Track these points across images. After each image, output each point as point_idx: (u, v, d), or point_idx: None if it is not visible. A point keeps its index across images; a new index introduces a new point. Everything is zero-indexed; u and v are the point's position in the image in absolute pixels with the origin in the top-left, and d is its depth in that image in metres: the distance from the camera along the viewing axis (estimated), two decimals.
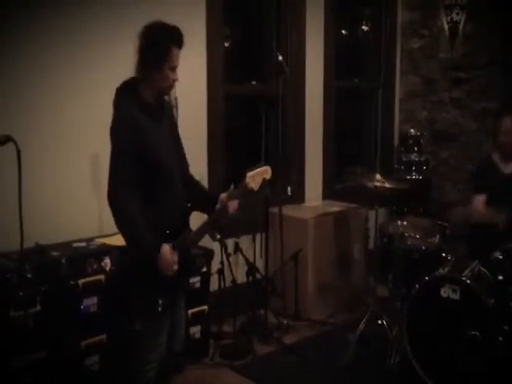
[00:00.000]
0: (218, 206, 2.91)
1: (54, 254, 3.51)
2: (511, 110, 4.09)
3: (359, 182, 4.48)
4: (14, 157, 2.56)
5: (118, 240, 3.68)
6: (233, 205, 2.89)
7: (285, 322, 4.65)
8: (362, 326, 4.12)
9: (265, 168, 2.92)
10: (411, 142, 5.90)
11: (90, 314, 3.52)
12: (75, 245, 3.72)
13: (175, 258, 2.75)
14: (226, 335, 4.38)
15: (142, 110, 2.73)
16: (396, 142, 6.39)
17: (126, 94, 2.77)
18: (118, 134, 2.70)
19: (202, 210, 3.01)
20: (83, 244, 3.74)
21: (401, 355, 3.83)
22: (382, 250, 4.29)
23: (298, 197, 5.44)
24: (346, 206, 5.24)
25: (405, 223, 4.31)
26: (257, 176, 2.87)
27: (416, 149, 5.85)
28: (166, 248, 2.72)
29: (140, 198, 2.73)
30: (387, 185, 4.16)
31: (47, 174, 3.79)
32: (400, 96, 6.41)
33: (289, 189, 5.36)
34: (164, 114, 2.89)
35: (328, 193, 5.69)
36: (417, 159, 5.78)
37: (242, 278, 4.64)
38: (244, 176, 2.87)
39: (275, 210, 4.70)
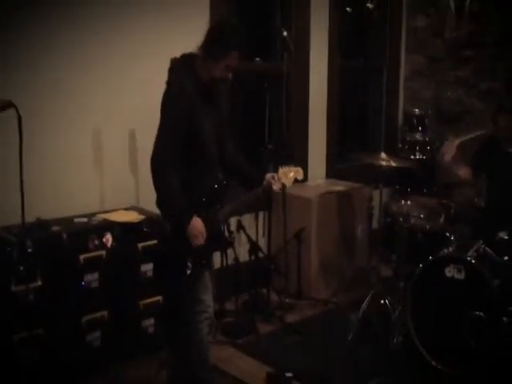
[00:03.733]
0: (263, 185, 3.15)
1: (56, 228, 3.47)
2: (505, 110, 4.03)
3: (364, 160, 4.42)
4: (15, 127, 2.51)
5: (120, 216, 3.71)
6: (277, 184, 3.10)
7: (287, 300, 4.63)
8: (364, 305, 4.10)
9: (297, 168, 3.16)
10: (416, 121, 5.75)
11: (91, 290, 3.51)
12: (77, 220, 3.67)
13: (204, 230, 2.93)
14: (228, 313, 4.36)
15: (195, 86, 2.87)
16: (400, 121, 6.34)
17: (182, 67, 2.91)
18: (171, 107, 2.86)
19: (245, 185, 3.25)
20: (85, 219, 3.69)
21: (404, 335, 3.80)
22: (386, 230, 4.26)
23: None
24: (349, 185, 5.19)
25: (409, 203, 4.27)
26: (289, 173, 3.12)
27: (420, 128, 5.72)
28: (196, 220, 2.90)
29: (180, 169, 2.88)
30: (393, 163, 4.10)
31: (48, 148, 3.72)
32: (405, 75, 6.33)
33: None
34: (214, 96, 3.01)
35: (331, 172, 5.63)
36: (421, 139, 5.67)
37: (244, 256, 4.61)
38: (276, 171, 3.14)
39: None
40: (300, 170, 3.19)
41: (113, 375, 3.58)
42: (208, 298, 3.11)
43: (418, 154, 5.59)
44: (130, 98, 4.00)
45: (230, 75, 2.92)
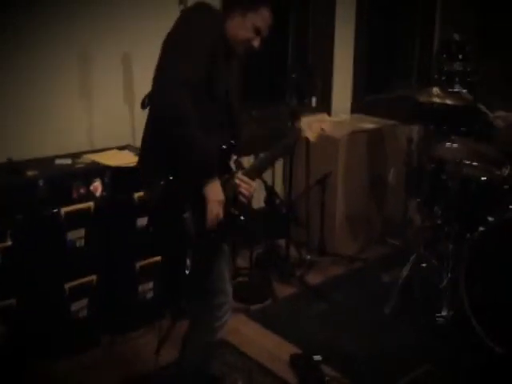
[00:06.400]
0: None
1: (31, 173, 2.94)
2: None
3: (407, 95, 3.73)
4: None
5: (112, 158, 3.21)
6: (246, 188, 2.41)
7: (308, 257, 4.12)
8: (406, 269, 3.51)
9: (323, 117, 2.76)
10: (455, 48, 5.12)
11: (75, 251, 3.01)
12: (58, 162, 3.14)
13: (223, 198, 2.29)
14: (240, 271, 3.80)
15: (219, 42, 2.40)
16: (436, 47, 5.76)
17: (209, 14, 2.41)
18: (196, 36, 2.29)
19: None
20: (68, 161, 3.14)
21: (455, 308, 3.22)
22: (429, 178, 3.62)
23: (324, 109, 4.77)
24: (381, 123, 4.60)
25: (456, 146, 3.58)
26: (314, 123, 2.62)
27: (460, 57, 5.07)
28: (215, 183, 2.26)
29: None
30: (448, 101, 3.39)
31: (24, 75, 3.12)
32: None
33: (313, 99, 4.70)
34: (234, 60, 2.55)
35: (358, 105, 5.06)
36: (461, 69, 5.00)
37: (259, 202, 4.09)
38: (296, 120, 2.76)
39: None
40: (327, 118, 2.77)
41: (103, 350, 3.11)
42: (227, 286, 2.51)
43: (456, 86, 4.92)
44: (124, 11, 3.38)
45: (256, 41, 2.41)
